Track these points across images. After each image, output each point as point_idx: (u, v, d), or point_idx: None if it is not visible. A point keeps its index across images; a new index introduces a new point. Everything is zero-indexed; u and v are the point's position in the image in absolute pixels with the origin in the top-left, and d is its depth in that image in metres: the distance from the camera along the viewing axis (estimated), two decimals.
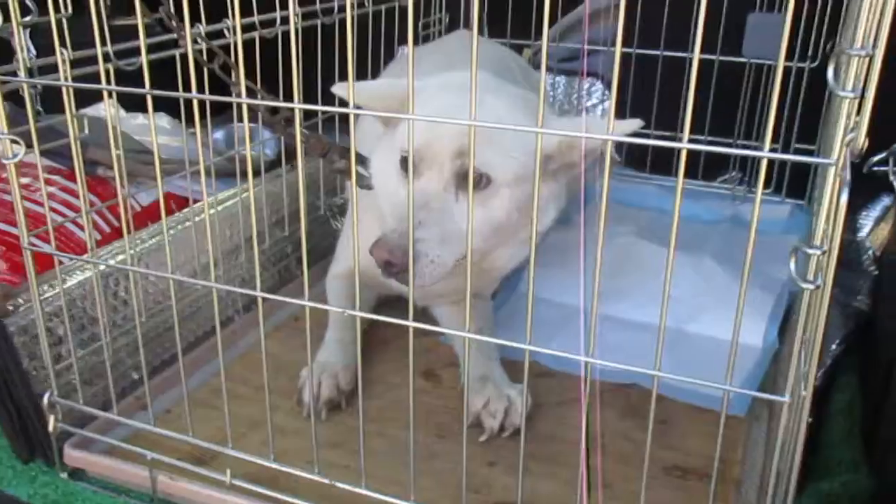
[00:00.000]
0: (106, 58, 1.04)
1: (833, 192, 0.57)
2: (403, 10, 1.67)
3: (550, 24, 2.09)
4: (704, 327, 1.38)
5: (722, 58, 1.67)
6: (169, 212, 1.37)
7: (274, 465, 0.92)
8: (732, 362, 0.71)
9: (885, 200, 1.60)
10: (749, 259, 0.65)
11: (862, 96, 0.54)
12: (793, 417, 0.68)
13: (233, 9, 0.81)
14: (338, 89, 1.01)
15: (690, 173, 1.81)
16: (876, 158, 1.03)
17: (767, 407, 1.19)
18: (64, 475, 1.07)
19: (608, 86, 1.99)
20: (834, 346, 1.30)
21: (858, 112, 0.54)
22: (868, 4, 0.55)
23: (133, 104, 1.69)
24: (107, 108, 1.15)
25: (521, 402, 1.12)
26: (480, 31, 1.86)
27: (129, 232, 1.12)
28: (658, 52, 1.74)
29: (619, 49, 0.59)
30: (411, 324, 0.84)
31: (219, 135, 1.97)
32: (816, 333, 0.62)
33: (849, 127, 0.55)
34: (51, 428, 1.03)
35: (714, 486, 0.81)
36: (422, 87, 1.03)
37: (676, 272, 1.66)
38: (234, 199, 1.43)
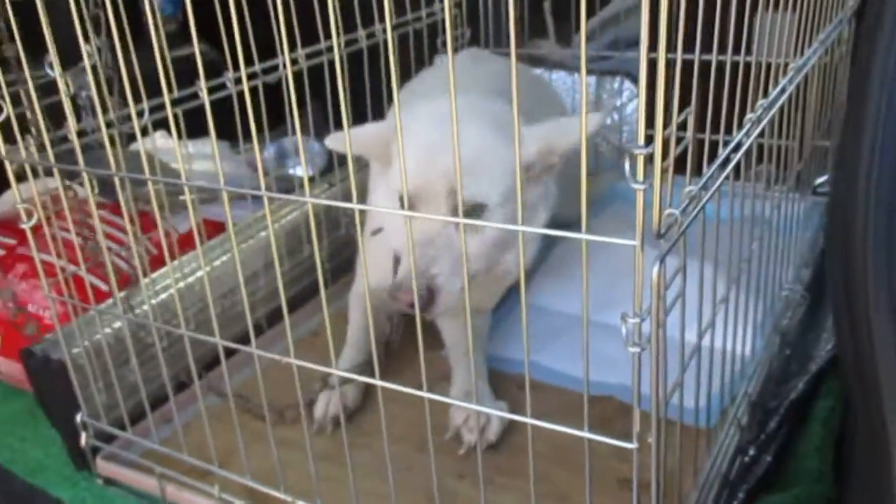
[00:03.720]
0: None
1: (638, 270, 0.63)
2: (417, 33, 1.76)
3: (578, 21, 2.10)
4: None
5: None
6: (208, 237, 1.52)
7: (250, 483, 1.06)
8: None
9: None
10: None
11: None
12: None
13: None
14: (330, 142, 1.10)
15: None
16: (819, 180, 1.04)
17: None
18: (100, 482, 1.25)
19: (637, 84, 2.00)
20: (826, 351, 1.32)
21: None
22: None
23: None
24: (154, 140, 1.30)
25: (497, 420, 1.21)
26: (497, 44, 1.93)
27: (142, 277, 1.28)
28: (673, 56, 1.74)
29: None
30: (426, 395, 0.94)
31: (269, 152, 2.12)
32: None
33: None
34: (83, 443, 1.21)
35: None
36: (410, 121, 1.08)
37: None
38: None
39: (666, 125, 0.61)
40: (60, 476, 1.27)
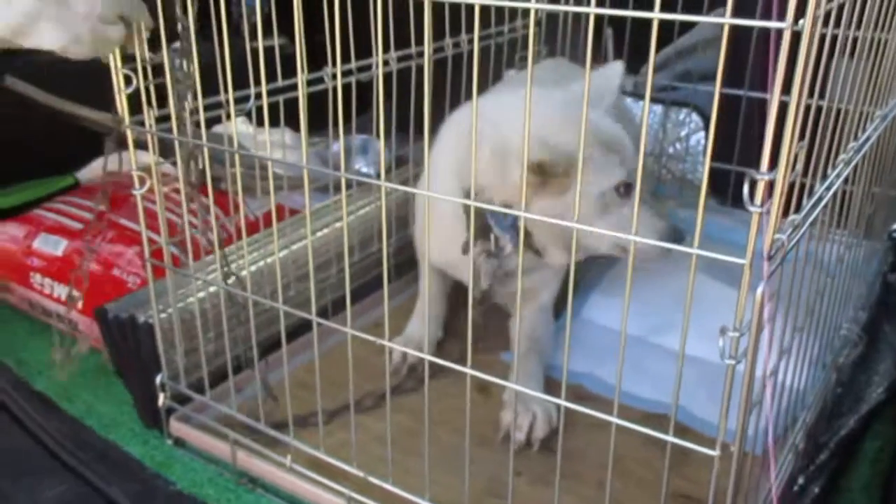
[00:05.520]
0: None
1: (744, 287, 0.68)
2: (499, 47, 1.82)
3: (658, 50, 2.17)
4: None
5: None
6: (280, 221, 1.58)
7: (323, 456, 1.11)
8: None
9: None
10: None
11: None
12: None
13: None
14: None
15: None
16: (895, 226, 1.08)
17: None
18: (170, 442, 1.31)
19: (703, 117, 2.05)
20: (877, 393, 1.35)
21: None
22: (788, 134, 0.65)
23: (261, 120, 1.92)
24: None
25: (544, 417, 1.26)
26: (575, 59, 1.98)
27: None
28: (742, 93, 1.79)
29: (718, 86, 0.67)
30: (514, 386, 1.02)
31: (337, 147, 2.19)
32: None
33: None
34: (160, 403, 1.27)
35: None
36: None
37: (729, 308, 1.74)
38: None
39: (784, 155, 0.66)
40: (131, 433, 1.33)
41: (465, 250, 1.24)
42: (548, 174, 1.14)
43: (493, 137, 1.15)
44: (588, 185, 1.15)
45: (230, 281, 1.13)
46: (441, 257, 1.39)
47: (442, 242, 1.28)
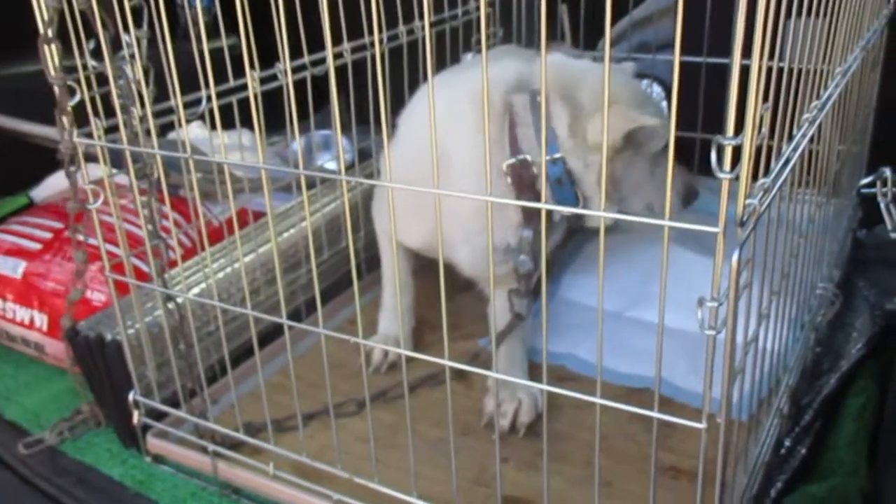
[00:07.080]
0: None
1: (719, 256, 0.66)
2: (454, 31, 1.80)
3: (613, 23, 2.18)
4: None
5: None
6: (244, 224, 1.55)
7: (305, 460, 1.08)
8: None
9: None
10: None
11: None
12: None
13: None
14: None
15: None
16: (864, 181, 1.07)
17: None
18: (148, 459, 1.27)
19: (664, 87, 2.03)
20: (856, 349, 1.35)
21: None
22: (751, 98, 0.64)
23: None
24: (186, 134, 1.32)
25: (530, 402, 1.25)
26: (529, 43, 1.96)
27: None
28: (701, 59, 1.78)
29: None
30: (495, 374, 0.98)
31: (296, 145, 2.15)
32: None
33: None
34: (135, 421, 1.23)
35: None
36: None
37: (702, 277, 1.74)
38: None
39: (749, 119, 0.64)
40: (109, 454, 1.30)
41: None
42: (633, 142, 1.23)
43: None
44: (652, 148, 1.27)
45: (170, 306, 1.11)
46: (425, 240, 1.34)
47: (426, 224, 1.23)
